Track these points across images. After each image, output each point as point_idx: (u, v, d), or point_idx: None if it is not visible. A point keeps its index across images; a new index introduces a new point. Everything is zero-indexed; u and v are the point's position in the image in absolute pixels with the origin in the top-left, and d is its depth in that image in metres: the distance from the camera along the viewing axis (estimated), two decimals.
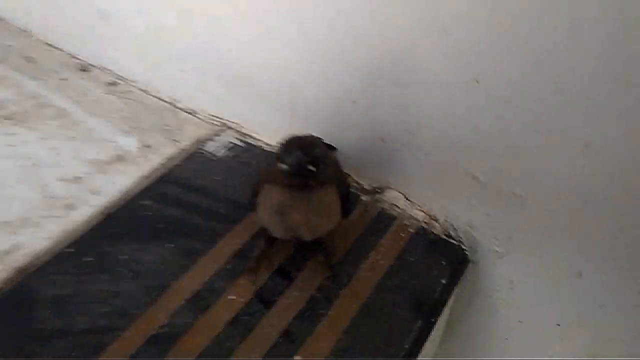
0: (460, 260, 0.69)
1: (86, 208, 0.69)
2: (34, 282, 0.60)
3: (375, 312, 0.60)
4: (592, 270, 0.63)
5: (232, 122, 0.83)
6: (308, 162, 0.54)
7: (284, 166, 0.54)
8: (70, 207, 0.69)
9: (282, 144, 0.56)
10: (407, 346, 0.58)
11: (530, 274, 0.68)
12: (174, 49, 0.82)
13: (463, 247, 0.70)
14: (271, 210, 0.59)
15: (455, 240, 0.70)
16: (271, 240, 0.66)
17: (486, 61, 0.56)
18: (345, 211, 0.63)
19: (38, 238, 0.64)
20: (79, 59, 0.94)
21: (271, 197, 0.59)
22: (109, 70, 0.92)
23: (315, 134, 0.58)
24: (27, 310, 0.57)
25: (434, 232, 0.71)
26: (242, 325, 0.58)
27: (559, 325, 0.70)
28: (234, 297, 0.60)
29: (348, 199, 0.64)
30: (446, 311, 0.68)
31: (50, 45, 0.96)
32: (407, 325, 0.59)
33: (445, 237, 0.70)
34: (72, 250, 0.64)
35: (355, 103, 0.69)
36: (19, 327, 0.55)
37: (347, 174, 0.75)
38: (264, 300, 0.61)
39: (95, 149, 0.77)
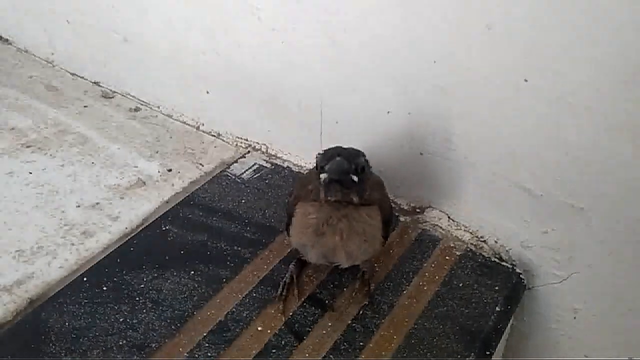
0: (515, 286, 0.62)
1: (104, 235, 0.64)
2: (46, 313, 0.55)
3: (421, 344, 0.54)
4: None
5: (258, 143, 0.79)
6: (351, 170, 0.49)
7: (324, 175, 0.49)
8: (87, 234, 0.64)
9: (321, 153, 0.51)
10: None
11: (597, 299, 0.61)
12: (198, 70, 0.78)
13: (517, 270, 0.63)
14: (307, 230, 0.53)
15: (508, 263, 0.63)
16: (302, 265, 0.60)
17: (535, 57, 0.51)
18: (385, 239, 0.57)
19: (52, 267, 0.60)
20: (101, 87, 0.91)
21: (307, 215, 0.53)
22: (132, 96, 0.89)
23: None
24: (37, 344, 0.52)
25: (483, 254, 0.64)
26: (271, 359, 0.52)
27: None
28: (262, 329, 0.54)
29: (390, 225, 0.58)
30: (502, 344, 0.60)
31: (73, 74, 0.94)
32: None
33: (496, 259, 0.63)
34: (88, 279, 0.59)
35: (391, 114, 0.64)
36: None
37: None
38: (295, 331, 0.55)
39: (116, 175, 0.73)
